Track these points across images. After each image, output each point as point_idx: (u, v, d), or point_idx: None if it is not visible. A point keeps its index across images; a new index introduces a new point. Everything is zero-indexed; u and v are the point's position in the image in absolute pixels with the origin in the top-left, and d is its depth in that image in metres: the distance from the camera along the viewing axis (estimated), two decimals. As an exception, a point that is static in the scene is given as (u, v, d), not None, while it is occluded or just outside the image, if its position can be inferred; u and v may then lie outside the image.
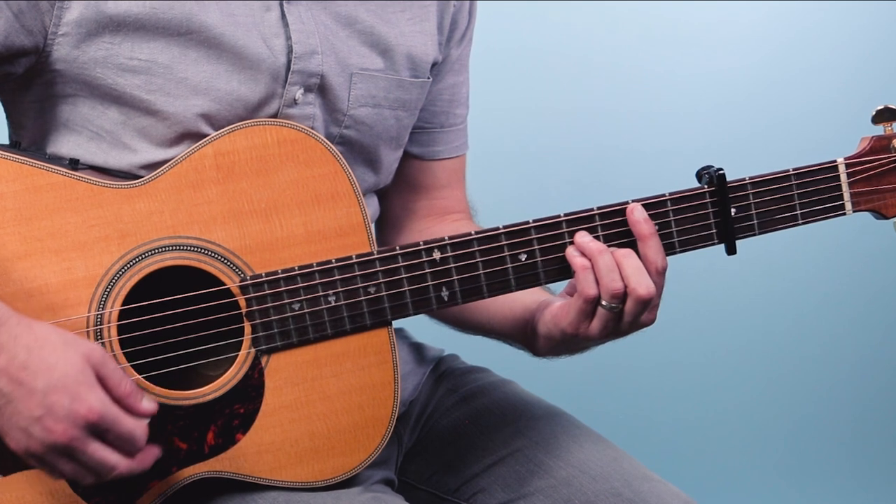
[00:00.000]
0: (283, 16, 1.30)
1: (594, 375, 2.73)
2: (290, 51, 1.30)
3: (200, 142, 1.23)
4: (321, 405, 1.26)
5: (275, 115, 1.31)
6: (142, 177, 1.24)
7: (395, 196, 1.54)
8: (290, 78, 1.30)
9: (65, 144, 1.29)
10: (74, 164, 1.24)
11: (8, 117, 1.36)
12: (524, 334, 1.40)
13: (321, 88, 1.33)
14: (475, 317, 1.46)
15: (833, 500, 2.89)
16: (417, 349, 1.58)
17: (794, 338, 2.89)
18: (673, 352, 2.76)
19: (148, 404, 1.16)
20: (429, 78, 1.44)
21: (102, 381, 1.14)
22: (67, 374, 1.11)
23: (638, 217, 1.28)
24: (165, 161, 1.25)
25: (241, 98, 1.28)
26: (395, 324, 1.29)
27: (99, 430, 1.13)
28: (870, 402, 2.95)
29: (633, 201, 1.29)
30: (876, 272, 2.89)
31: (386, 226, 1.55)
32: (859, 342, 2.93)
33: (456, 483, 1.46)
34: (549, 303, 1.35)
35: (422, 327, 1.56)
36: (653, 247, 1.27)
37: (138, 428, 1.15)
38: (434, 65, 1.46)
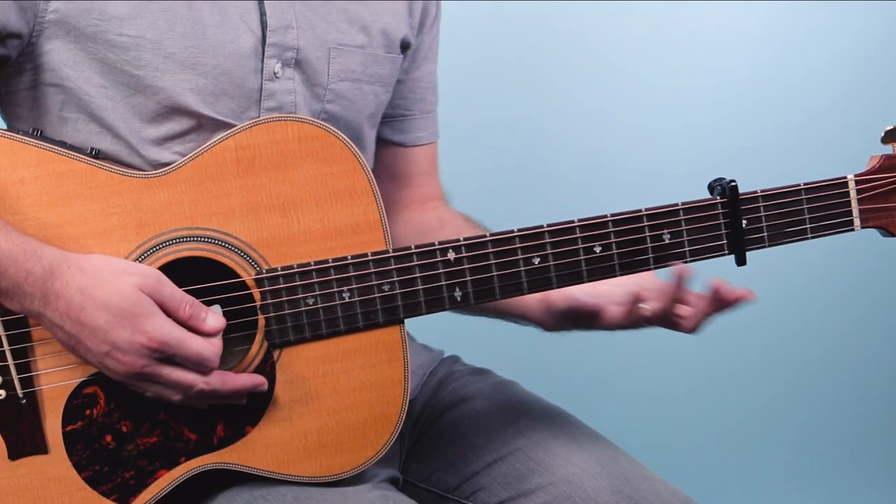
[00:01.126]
0: None
1: (595, 376, 2.74)
2: (264, 25, 1.33)
3: (222, 135, 1.24)
4: (331, 401, 1.27)
5: (258, 90, 1.33)
6: (138, 165, 1.27)
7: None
8: (267, 51, 1.33)
9: (59, 133, 1.30)
10: (96, 153, 1.25)
11: (3, 111, 1.37)
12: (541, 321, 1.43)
13: (299, 63, 1.36)
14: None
15: (834, 502, 2.91)
16: (419, 350, 1.59)
17: (796, 339, 2.91)
18: (673, 352, 2.77)
19: (214, 322, 1.18)
20: (401, 55, 1.49)
21: (162, 307, 1.16)
22: (122, 307, 1.14)
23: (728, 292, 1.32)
24: (156, 139, 1.28)
25: (227, 72, 1.31)
26: (402, 325, 1.30)
27: (166, 356, 1.16)
28: (872, 403, 2.97)
29: (646, 210, 1.31)
30: (878, 276, 2.91)
31: None
32: (861, 345, 2.95)
33: (456, 481, 1.47)
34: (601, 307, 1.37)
35: (423, 328, 1.56)
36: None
37: (205, 348, 1.17)
38: (406, 46, 1.50)
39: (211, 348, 1.18)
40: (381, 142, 1.57)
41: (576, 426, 1.49)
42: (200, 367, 1.18)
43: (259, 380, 1.22)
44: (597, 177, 2.69)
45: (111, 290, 1.14)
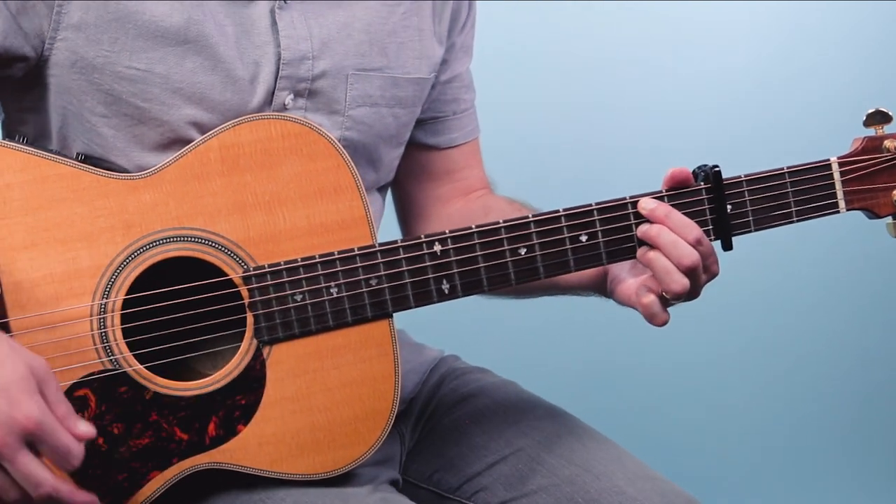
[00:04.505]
0: (275, 22, 1.33)
1: (595, 375, 2.73)
2: (279, 58, 1.32)
3: (206, 135, 1.25)
4: (322, 397, 1.27)
5: None
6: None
7: (418, 188, 1.57)
8: (279, 84, 1.32)
9: (62, 149, 1.31)
10: (83, 157, 1.26)
11: (6, 118, 1.37)
12: (601, 290, 1.42)
13: (312, 92, 1.35)
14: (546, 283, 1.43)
15: (833, 500, 2.89)
16: (417, 349, 1.59)
17: (795, 337, 2.90)
18: (674, 351, 2.76)
19: (86, 427, 1.11)
20: (428, 76, 1.47)
21: (43, 396, 1.09)
22: (9, 379, 1.07)
23: (650, 207, 1.30)
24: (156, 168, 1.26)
25: (234, 108, 1.30)
26: (397, 324, 1.30)
27: (34, 440, 1.08)
28: (871, 400, 2.96)
29: (630, 198, 1.31)
30: (874, 271, 2.90)
31: (415, 218, 1.58)
32: (859, 341, 2.94)
33: (457, 482, 1.46)
34: (618, 280, 1.36)
35: (422, 327, 1.57)
36: (676, 221, 1.29)
37: (74, 444, 1.10)
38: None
39: (79, 448, 1.10)
40: (417, 145, 1.54)
41: (578, 426, 1.48)
42: (64, 460, 1.10)
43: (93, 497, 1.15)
44: (592, 169, 2.69)
45: (2, 360, 1.08)
